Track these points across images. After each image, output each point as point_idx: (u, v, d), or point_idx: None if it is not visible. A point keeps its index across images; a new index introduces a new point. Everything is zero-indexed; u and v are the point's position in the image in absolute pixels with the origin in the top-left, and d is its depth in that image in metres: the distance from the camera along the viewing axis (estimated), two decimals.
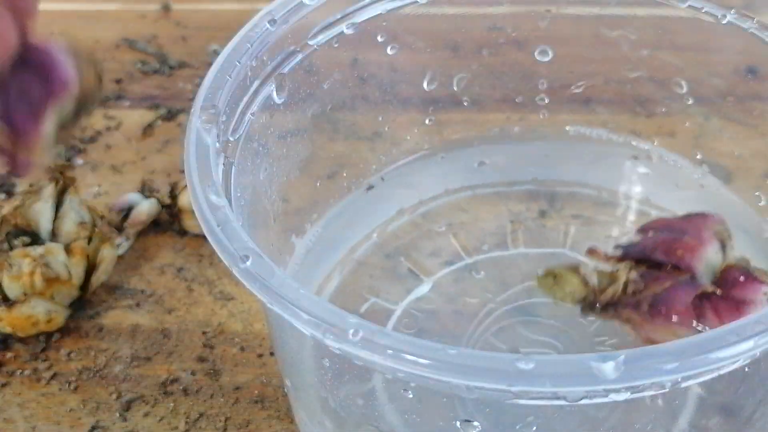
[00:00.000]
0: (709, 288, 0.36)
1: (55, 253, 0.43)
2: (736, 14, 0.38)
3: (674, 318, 0.36)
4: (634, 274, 0.37)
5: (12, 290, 0.42)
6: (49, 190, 0.45)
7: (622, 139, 0.46)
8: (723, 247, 0.38)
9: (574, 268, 0.39)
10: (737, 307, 0.35)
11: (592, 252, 0.39)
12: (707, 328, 0.35)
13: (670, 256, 0.37)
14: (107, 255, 0.45)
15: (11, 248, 0.43)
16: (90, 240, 0.44)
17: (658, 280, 0.36)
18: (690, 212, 0.39)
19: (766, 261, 0.41)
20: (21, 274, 0.42)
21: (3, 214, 0.45)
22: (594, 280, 0.38)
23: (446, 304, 0.41)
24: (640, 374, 0.23)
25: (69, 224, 0.44)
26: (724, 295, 0.36)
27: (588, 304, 0.38)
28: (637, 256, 0.38)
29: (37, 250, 0.43)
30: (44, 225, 0.44)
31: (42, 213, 0.44)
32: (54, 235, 0.44)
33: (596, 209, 0.45)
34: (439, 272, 0.43)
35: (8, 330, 0.43)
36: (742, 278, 0.36)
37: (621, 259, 0.38)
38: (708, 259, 0.37)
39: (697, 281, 0.36)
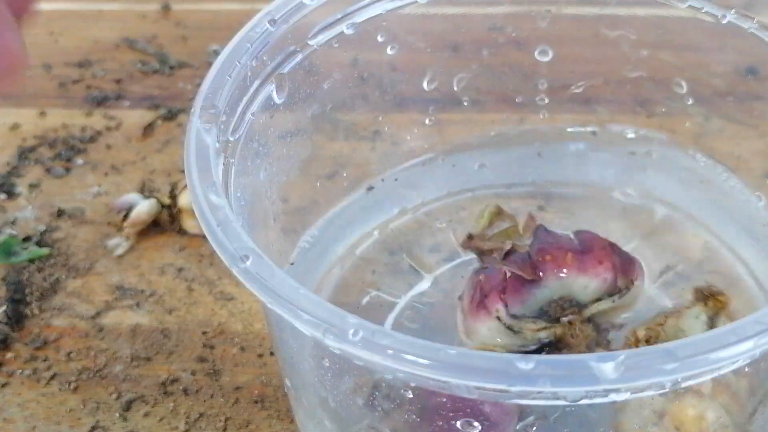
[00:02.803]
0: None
1: None
2: (736, 14, 0.38)
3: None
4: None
5: None
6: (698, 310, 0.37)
7: (621, 139, 0.46)
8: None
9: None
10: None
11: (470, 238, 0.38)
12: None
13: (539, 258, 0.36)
14: None
15: None
16: None
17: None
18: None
19: (767, 262, 0.41)
20: None
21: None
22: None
23: (447, 299, 0.41)
24: (640, 374, 0.23)
25: None
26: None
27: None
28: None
29: None
30: None
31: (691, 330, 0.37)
32: None
33: (596, 209, 0.45)
34: (440, 269, 0.43)
35: None
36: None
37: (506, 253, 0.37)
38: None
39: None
